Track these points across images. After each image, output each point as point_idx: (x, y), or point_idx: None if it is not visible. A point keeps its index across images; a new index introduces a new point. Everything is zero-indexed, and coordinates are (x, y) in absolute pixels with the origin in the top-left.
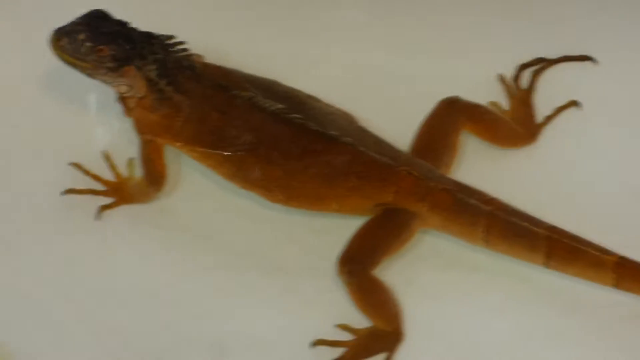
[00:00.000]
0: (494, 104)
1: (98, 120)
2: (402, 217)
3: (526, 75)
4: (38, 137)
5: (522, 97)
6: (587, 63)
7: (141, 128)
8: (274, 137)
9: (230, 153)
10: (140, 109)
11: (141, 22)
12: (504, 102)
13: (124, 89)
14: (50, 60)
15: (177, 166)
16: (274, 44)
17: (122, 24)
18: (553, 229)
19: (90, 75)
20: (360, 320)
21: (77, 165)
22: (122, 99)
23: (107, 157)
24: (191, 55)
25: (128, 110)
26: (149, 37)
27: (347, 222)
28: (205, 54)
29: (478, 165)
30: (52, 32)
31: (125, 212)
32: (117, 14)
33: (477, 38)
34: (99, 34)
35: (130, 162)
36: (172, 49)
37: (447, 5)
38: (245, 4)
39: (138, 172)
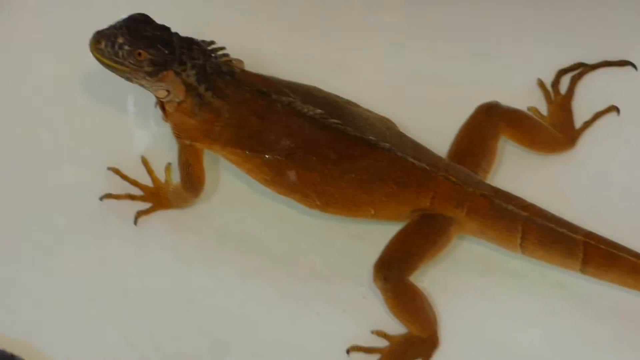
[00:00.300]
0: (532, 109)
1: (136, 125)
2: (439, 223)
3: (565, 80)
4: (77, 140)
5: (561, 103)
6: (627, 68)
7: (180, 132)
8: (312, 142)
9: (268, 157)
10: (179, 113)
11: (184, 28)
12: (542, 108)
13: (162, 93)
14: (90, 63)
15: (215, 171)
16: (312, 49)
17: (163, 29)
18: (590, 235)
19: (129, 79)
20: (396, 327)
21: (115, 170)
22: (161, 103)
23: (145, 162)
24: (231, 61)
25: (167, 115)
26: (189, 42)
27: (384, 228)
28: (244, 60)
29: (516, 171)
30: (91, 35)
31: (162, 217)
32: (158, 18)
33: (515, 43)
34: (138, 37)
35: (168, 167)
36: (212, 55)
37: (485, 10)
38: (283, 11)
39: (176, 177)
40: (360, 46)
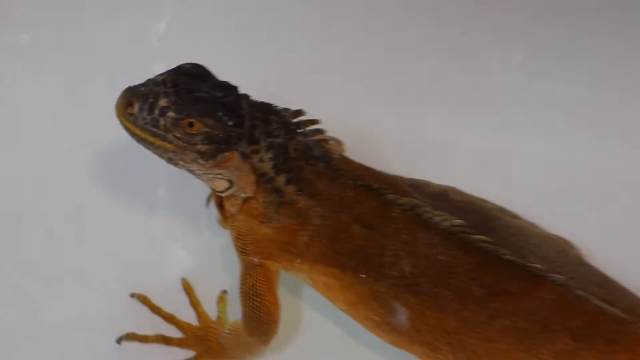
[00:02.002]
0: None
1: (176, 229)
2: None
3: None
4: (85, 252)
5: None
6: None
7: (245, 245)
8: (445, 268)
9: (378, 287)
10: (245, 216)
11: (257, 87)
12: None
13: (221, 185)
14: (109, 132)
15: (293, 306)
16: (441, 131)
17: (226, 88)
18: None
19: (171, 160)
20: None
21: (142, 298)
22: (218, 200)
23: (188, 288)
24: (327, 140)
25: (226, 218)
26: (264, 110)
27: None
28: (346, 141)
29: None
30: (120, 93)
31: None
32: (219, 72)
33: None
34: (190, 100)
35: (222, 296)
36: (299, 130)
37: None
38: (402, 78)
39: (235, 313)
40: (520, 128)
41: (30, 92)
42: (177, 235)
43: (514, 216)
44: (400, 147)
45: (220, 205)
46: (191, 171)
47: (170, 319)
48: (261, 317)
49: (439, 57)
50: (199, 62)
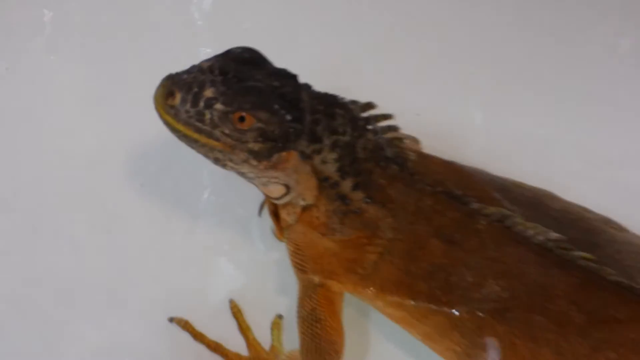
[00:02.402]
0: None
1: (223, 242)
2: None
3: None
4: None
5: None
6: None
7: (304, 261)
8: (540, 291)
9: (460, 314)
10: (304, 227)
11: (319, 74)
12: None
13: (276, 190)
14: (152, 129)
15: (358, 331)
16: (537, 124)
17: (284, 76)
18: None
19: (218, 160)
20: None
21: (183, 323)
22: (273, 207)
23: (236, 311)
24: (401, 139)
25: (282, 229)
26: (329, 102)
27: None
28: (422, 138)
29: None
30: (160, 82)
31: None
32: (276, 59)
33: None
34: (241, 90)
35: (277, 322)
36: (369, 126)
37: None
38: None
39: (291, 341)
40: (630, 125)
41: (53, 80)
42: (225, 249)
43: (622, 229)
44: (488, 144)
45: (276, 214)
46: (242, 174)
47: (215, 347)
48: (322, 347)
49: (533, 42)
50: (252, 46)
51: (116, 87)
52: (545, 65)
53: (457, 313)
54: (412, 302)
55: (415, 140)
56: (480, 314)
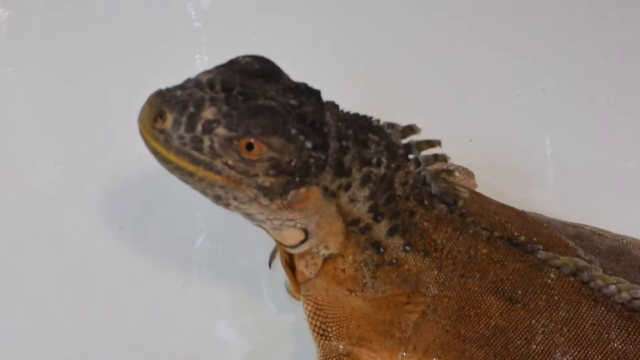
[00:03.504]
0: None
1: (224, 302)
2: None
3: None
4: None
5: None
6: None
7: (326, 324)
8: None
9: None
10: (327, 281)
11: (348, 96)
12: None
13: (293, 236)
14: (136, 158)
15: None
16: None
17: (303, 93)
18: None
19: (218, 198)
20: None
21: None
22: (287, 257)
23: None
24: (451, 171)
25: (299, 283)
26: (359, 125)
27: None
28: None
29: None
30: (147, 100)
31: None
32: (292, 71)
33: None
34: (249, 111)
35: None
36: (410, 156)
37: None
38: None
39: None
40: None
41: (9, 96)
42: (224, 310)
43: None
44: (560, 177)
45: (291, 266)
46: (249, 215)
47: None
48: None
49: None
50: (262, 54)
51: (89, 105)
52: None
53: None
54: None
55: (468, 172)
56: None
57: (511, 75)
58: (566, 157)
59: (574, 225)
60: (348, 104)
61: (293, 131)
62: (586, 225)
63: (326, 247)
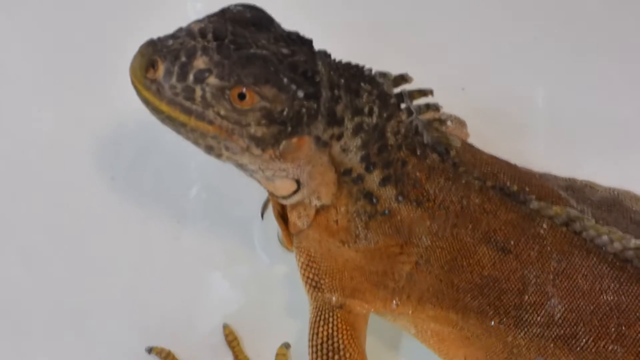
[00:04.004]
0: None
1: (217, 252)
2: None
3: None
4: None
5: None
6: None
7: (319, 275)
8: (616, 312)
9: (515, 339)
10: (320, 233)
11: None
12: None
13: (285, 187)
14: (128, 109)
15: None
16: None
17: (295, 42)
18: None
19: (210, 149)
20: None
21: (165, 354)
22: (279, 208)
23: (232, 339)
24: (443, 120)
25: (292, 235)
26: (352, 74)
27: None
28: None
29: None
30: (138, 50)
31: None
32: (285, 21)
33: None
34: (241, 60)
35: (283, 352)
36: (402, 105)
37: None
38: None
39: None
40: None
41: (5, 44)
42: (218, 261)
43: None
44: (552, 129)
45: (283, 217)
46: (241, 166)
47: None
48: None
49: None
50: (254, 3)
51: (81, 55)
52: (617, 32)
53: (512, 339)
54: (457, 324)
55: (460, 122)
56: (542, 341)
57: (504, 24)
58: (559, 106)
59: (566, 179)
60: (340, 53)
61: (285, 80)
62: (577, 179)
63: (318, 198)
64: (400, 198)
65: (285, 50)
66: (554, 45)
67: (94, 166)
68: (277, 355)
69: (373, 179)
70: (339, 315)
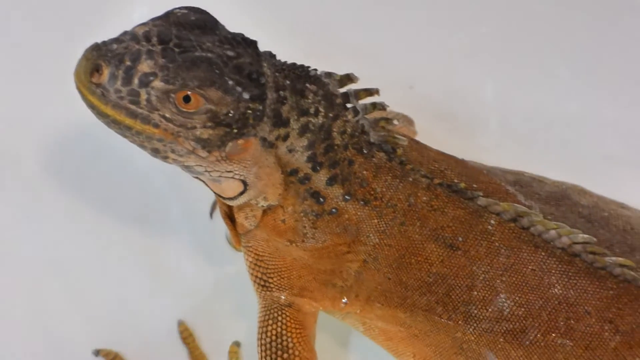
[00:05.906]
0: None
1: (167, 253)
2: None
3: None
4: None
5: None
6: None
7: (267, 275)
8: (565, 306)
9: (464, 335)
10: (267, 232)
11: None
12: None
13: (232, 188)
14: (73, 114)
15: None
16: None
17: (240, 44)
18: None
19: (156, 152)
20: None
21: (113, 357)
22: (227, 209)
23: (187, 336)
24: (389, 119)
25: (239, 235)
26: (297, 75)
27: None
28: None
29: None
30: (83, 54)
31: None
32: (230, 22)
33: None
34: (186, 63)
35: (234, 350)
36: (349, 105)
37: None
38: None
39: None
40: None
41: None
42: (169, 262)
43: None
44: (504, 123)
45: (231, 218)
46: (187, 168)
47: None
48: None
49: None
50: (199, 5)
51: (25, 60)
52: (570, 34)
53: (461, 334)
54: (404, 322)
55: (408, 120)
56: (491, 336)
57: (451, 19)
58: (507, 104)
59: (514, 172)
60: (285, 55)
61: (230, 83)
62: (525, 172)
63: (265, 199)
64: (347, 197)
65: (230, 53)
66: (502, 43)
67: (41, 170)
68: (229, 353)
69: (320, 179)
70: (287, 313)
